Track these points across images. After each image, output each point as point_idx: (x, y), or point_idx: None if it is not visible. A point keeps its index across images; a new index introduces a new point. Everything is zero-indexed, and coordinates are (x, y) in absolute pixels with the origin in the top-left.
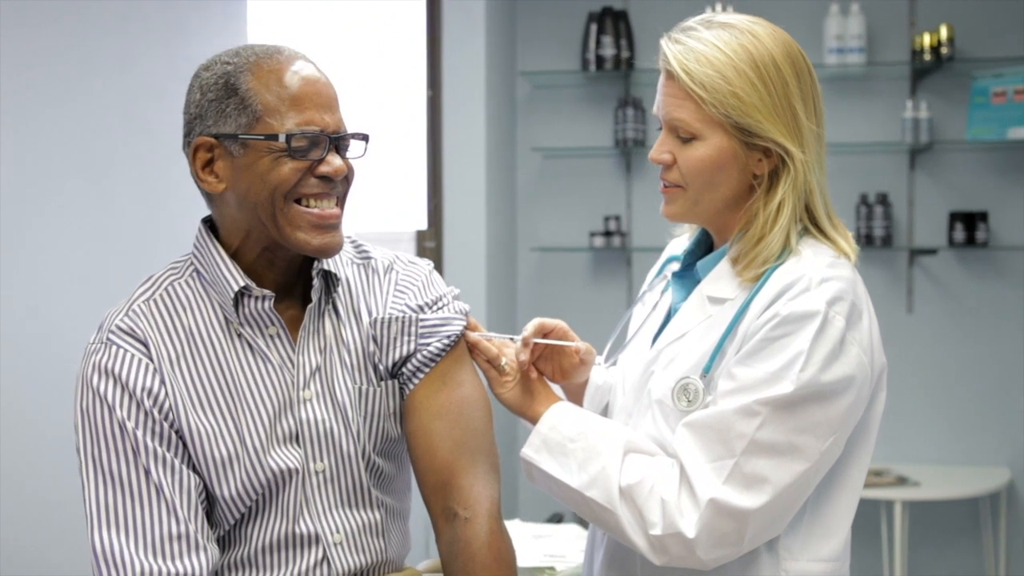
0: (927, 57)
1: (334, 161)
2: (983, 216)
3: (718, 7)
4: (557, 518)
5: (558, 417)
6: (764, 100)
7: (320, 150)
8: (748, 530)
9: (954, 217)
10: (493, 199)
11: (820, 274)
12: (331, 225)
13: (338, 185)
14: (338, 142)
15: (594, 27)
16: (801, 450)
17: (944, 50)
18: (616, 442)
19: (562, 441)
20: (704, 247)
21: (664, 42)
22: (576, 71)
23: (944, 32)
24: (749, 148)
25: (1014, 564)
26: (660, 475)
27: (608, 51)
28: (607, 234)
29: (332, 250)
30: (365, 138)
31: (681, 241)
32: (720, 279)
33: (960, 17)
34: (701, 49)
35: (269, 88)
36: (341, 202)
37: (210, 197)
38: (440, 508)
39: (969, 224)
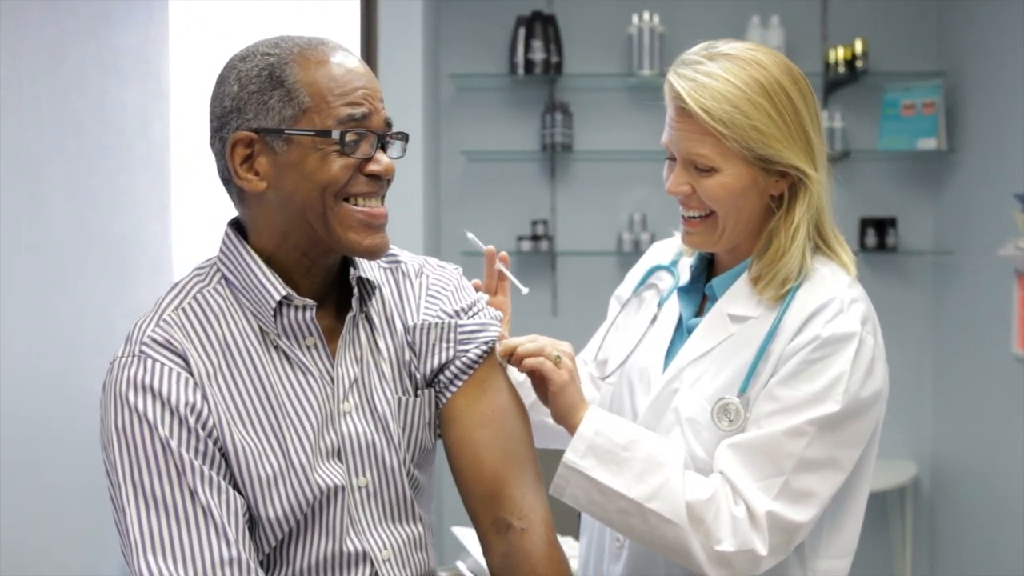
0: (841, 70)
1: (383, 159)
2: (892, 222)
3: (645, 15)
4: None
5: (602, 422)
6: (781, 129)
7: (369, 147)
8: (795, 541)
9: (865, 223)
10: (429, 203)
11: (848, 295)
12: (380, 225)
13: (385, 184)
14: (385, 139)
15: (522, 31)
16: (840, 462)
17: (859, 63)
18: (676, 455)
19: (612, 449)
20: (707, 262)
21: (672, 78)
22: (504, 74)
23: (859, 46)
24: (767, 173)
25: (921, 556)
26: (724, 493)
27: (538, 55)
28: (535, 238)
29: (381, 251)
30: (405, 138)
31: (664, 249)
32: (739, 298)
33: (870, 33)
34: (713, 85)
35: (317, 80)
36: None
37: (242, 197)
38: (491, 519)
39: (880, 230)
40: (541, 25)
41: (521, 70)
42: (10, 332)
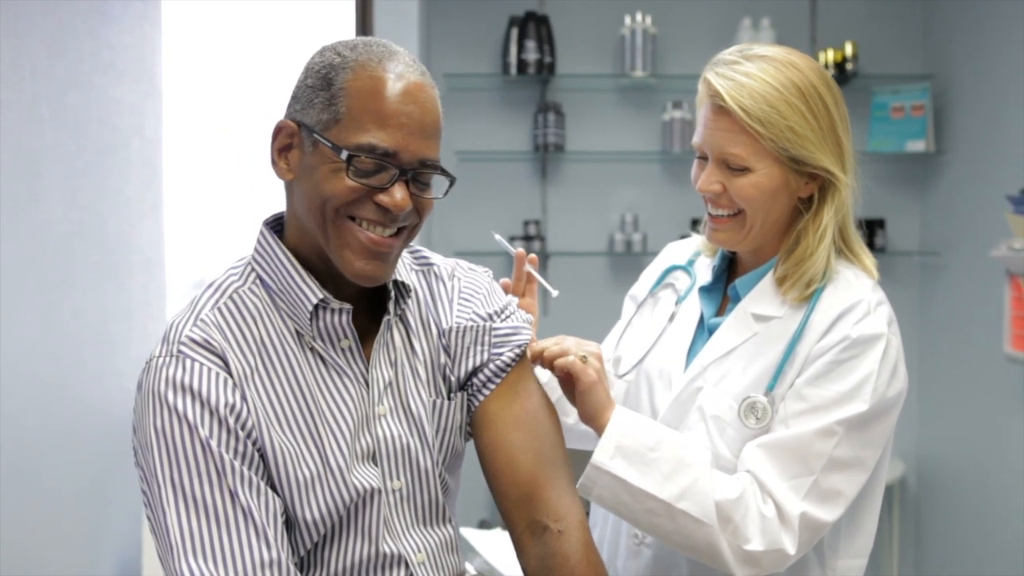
0: (832, 72)
1: (396, 194)
2: (881, 223)
3: (638, 16)
4: (486, 524)
5: (629, 423)
6: (815, 131)
7: (386, 177)
8: (817, 539)
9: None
10: None
11: (874, 297)
12: (382, 253)
13: (400, 218)
14: (411, 174)
15: (515, 31)
16: (864, 462)
17: (849, 66)
18: (703, 455)
19: (640, 449)
20: (727, 262)
21: (711, 76)
22: (496, 74)
23: (849, 49)
24: (798, 175)
25: (907, 554)
26: (753, 492)
27: (531, 55)
28: (526, 238)
29: (377, 279)
30: (451, 180)
31: (679, 249)
32: (762, 298)
33: (859, 36)
34: (752, 84)
35: (360, 95)
36: (408, 233)
37: (284, 183)
38: (526, 522)
39: (869, 231)
40: (534, 25)
41: (514, 70)
42: (10, 332)
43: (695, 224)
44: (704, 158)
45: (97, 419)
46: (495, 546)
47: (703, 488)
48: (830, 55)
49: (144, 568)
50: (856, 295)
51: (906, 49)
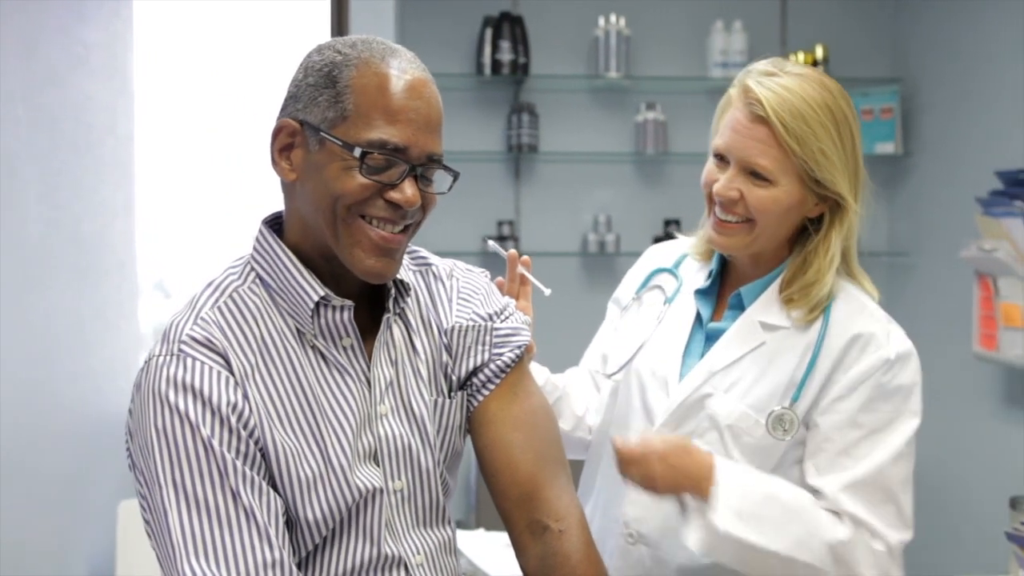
0: None
1: (407, 190)
2: None
3: (611, 17)
4: (462, 525)
5: (736, 482)
6: (840, 156)
7: (396, 173)
8: None
9: None
10: None
11: (884, 315)
12: (391, 250)
13: (408, 214)
14: (420, 170)
15: (490, 32)
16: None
17: (819, 68)
18: (806, 497)
19: (754, 509)
20: (721, 266)
21: (753, 84)
22: (470, 75)
23: (820, 52)
24: (815, 195)
25: None
26: (860, 533)
27: (505, 56)
28: (500, 239)
29: (385, 276)
30: (454, 175)
31: (663, 252)
32: (770, 307)
33: (829, 40)
34: (792, 100)
35: (367, 91)
36: (413, 230)
37: (282, 184)
38: (525, 522)
39: None
40: (509, 26)
41: (488, 71)
42: None
43: (668, 224)
44: (722, 159)
45: (71, 419)
46: (479, 546)
47: (816, 533)
48: (800, 58)
49: (118, 568)
50: (870, 313)
51: (875, 52)
